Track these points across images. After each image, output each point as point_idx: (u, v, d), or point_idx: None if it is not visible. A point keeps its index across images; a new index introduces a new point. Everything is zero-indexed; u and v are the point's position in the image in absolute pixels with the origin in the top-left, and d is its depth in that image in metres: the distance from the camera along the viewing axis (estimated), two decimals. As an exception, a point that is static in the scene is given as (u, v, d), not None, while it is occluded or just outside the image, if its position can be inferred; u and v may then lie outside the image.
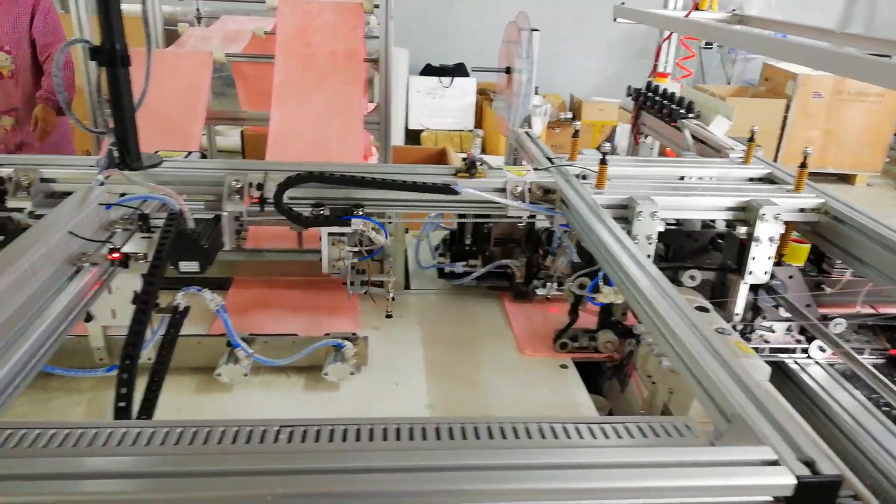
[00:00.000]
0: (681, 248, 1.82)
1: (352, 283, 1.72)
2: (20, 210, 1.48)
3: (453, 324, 1.87)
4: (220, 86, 4.53)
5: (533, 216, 1.69)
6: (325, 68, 2.68)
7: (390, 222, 1.80)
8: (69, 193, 1.55)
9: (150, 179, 1.51)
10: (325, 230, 1.61)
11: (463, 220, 1.91)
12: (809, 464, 0.73)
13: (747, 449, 0.76)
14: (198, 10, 4.45)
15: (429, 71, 7.10)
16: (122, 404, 1.05)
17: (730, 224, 1.65)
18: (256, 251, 1.97)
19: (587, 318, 1.73)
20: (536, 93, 2.27)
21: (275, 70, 2.69)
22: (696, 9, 3.29)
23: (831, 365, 1.70)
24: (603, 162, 1.60)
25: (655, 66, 3.44)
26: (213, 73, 2.81)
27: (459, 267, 1.95)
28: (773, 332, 1.71)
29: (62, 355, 1.40)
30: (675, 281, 1.68)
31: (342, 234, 1.63)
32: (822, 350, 1.70)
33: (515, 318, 1.88)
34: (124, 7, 1.46)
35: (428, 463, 0.74)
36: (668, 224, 1.79)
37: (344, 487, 0.70)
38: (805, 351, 1.70)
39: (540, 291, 1.89)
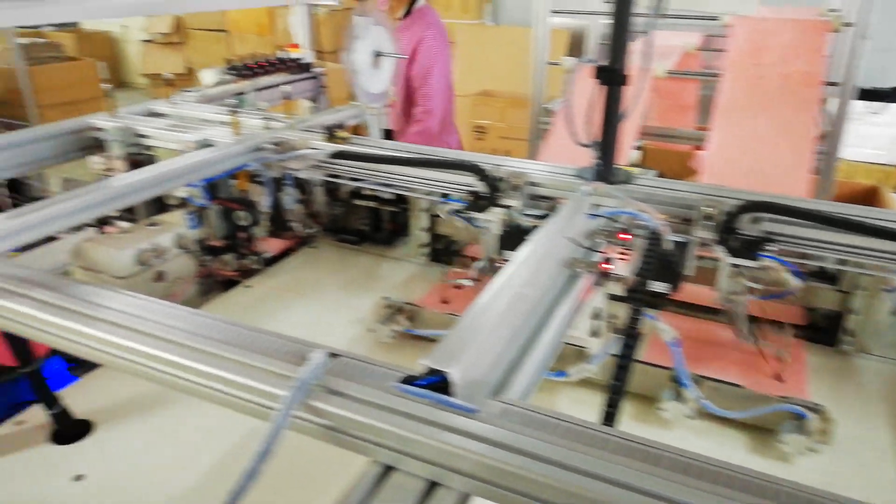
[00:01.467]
0: None
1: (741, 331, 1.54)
2: (508, 207, 1.68)
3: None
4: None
5: None
6: (776, 91, 2.49)
7: (867, 274, 1.57)
8: (548, 198, 1.72)
9: (624, 194, 1.57)
10: (735, 260, 1.47)
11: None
12: None
13: None
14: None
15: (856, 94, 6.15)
16: (609, 410, 1.11)
17: None
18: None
19: None
20: None
21: (719, 90, 2.60)
22: None
23: None
24: None
25: None
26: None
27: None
28: None
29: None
30: None
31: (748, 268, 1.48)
32: None
33: None
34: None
35: None
36: None
37: None
38: None
39: None
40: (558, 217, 1.42)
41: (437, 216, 2.09)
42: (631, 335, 1.21)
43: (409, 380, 0.88)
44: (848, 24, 2.47)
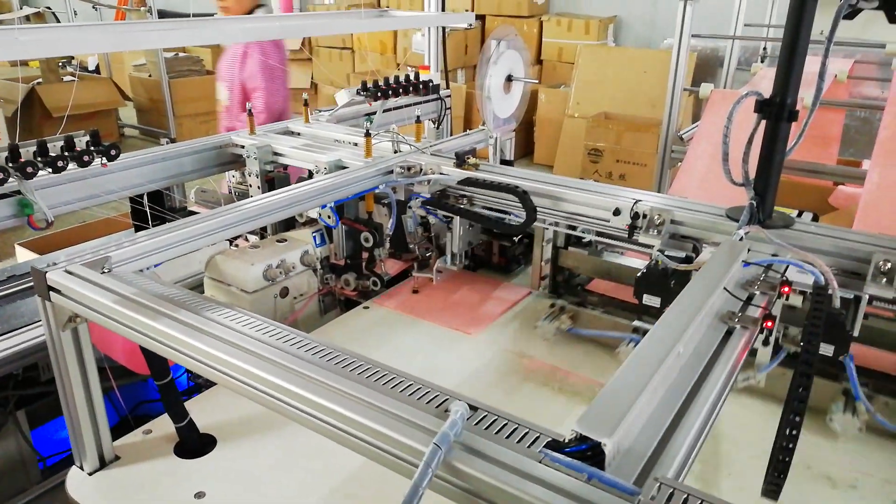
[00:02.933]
0: None
1: None
2: (650, 246, 1.56)
3: None
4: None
5: None
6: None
7: None
8: (693, 238, 1.58)
9: (783, 240, 1.42)
10: None
11: None
12: None
13: None
14: (764, 48, 4.31)
15: None
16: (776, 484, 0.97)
17: None
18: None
19: None
20: None
21: (882, 125, 2.34)
22: None
23: None
24: None
25: None
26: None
27: None
28: None
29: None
30: None
31: None
32: None
33: None
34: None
35: None
36: None
37: None
38: None
39: None
40: (713, 263, 1.29)
41: (561, 248, 2.00)
42: (798, 404, 1.06)
43: (557, 445, 0.80)
44: None
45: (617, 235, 1.75)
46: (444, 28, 3.02)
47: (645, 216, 1.59)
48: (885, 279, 1.34)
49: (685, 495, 0.74)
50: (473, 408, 0.87)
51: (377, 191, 1.91)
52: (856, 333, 1.37)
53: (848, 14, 1.53)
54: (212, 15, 3.33)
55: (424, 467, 0.75)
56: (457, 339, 1.81)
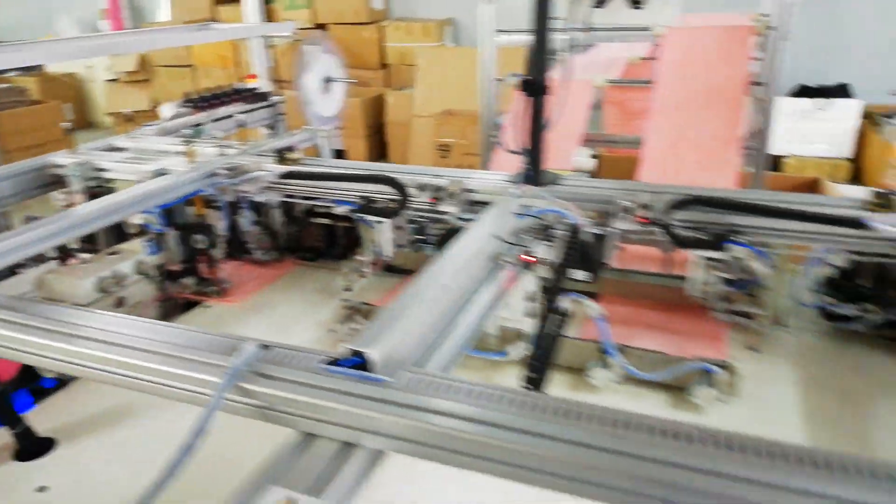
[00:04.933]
0: None
1: (718, 311, 1.68)
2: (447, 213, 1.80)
3: (837, 370, 1.69)
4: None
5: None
6: (705, 95, 2.65)
7: (776, 253, 1.70)
8: (483, 203, 1.84)
9: (551, 195, 1.70)
10: (699, 254, 1.61)
11: (861, 259, 1.71)
12: None
13: None
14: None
15: (803, 92, 6.43)
16: (532, 377, 1.22)
17: None
18: (624, 271, 2.05)
19: None
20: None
21: (653, 95, 2.75)
22: None
23: None
24: None
25: None
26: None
27: (850, 310, 1.75)
28: None
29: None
30: None
31: (717, 260, 1.61)
32: None
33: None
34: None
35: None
36: None
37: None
38: None
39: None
40: (485, 216, 1.54)
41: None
42: (552, 313, 1.32)
43: (333, 361, 0.99)
44: (771, 28, 2.64)
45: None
46: (265, 38, 3.14)
47: (443, 189, 1.83)
48: (625, 214, 1.65)
49: (425, 377, 0.95)
50: (267, 347, 1.04)
51: (205, 194, 2.01)
52: (605, 260, 1.67)
53: (598, 3, 1.87)
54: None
55: (216, 393, 0.91)
56: (297, 327, 1.95)
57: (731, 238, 1.57)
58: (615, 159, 4.01)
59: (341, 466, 0.84)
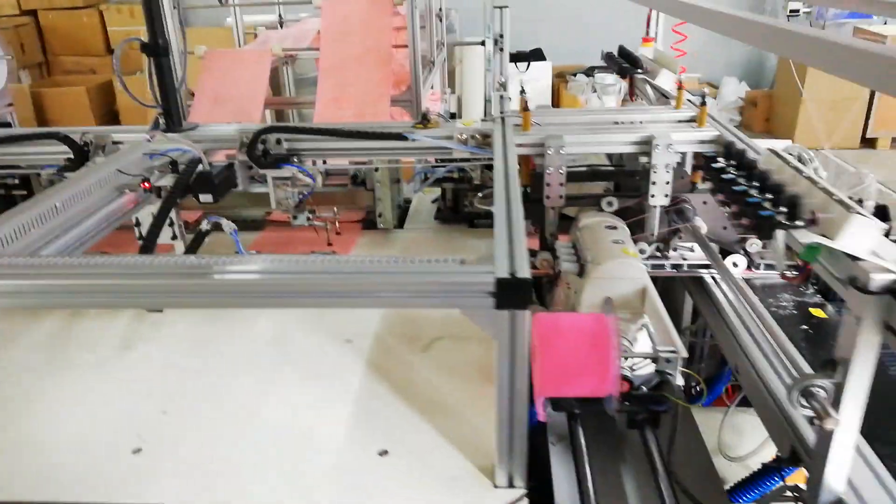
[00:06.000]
0: (624, 184, 2.11)
1: (294, 217, 2.15)
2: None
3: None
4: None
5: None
6: (359, 54, 3.18)
7: (376, 169, 2.25)
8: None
9: (187, 139, 2.05)
10: (269, 173, 2.04)
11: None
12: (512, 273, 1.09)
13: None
14: (280, 16, 5.13)
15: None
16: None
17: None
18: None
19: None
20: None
21: (320, 57, 3.22)
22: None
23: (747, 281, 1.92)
24: (525, 109, 1.95)
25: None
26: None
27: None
28: (692, 251, 1.96)
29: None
30: (598, 206, 1.98)
31: (284, 178, 2.06)
32: (736, 265, 1.92)
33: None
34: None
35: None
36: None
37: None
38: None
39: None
40: (114, 156, 1.86)
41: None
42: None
43: None
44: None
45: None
46: None
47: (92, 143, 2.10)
48: (245, 148, 2.06)
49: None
50: None
51: None
52: (241, 187, 2.08)
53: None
54: None
55: None
56: None
57: (290, 161, 2.03)
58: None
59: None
